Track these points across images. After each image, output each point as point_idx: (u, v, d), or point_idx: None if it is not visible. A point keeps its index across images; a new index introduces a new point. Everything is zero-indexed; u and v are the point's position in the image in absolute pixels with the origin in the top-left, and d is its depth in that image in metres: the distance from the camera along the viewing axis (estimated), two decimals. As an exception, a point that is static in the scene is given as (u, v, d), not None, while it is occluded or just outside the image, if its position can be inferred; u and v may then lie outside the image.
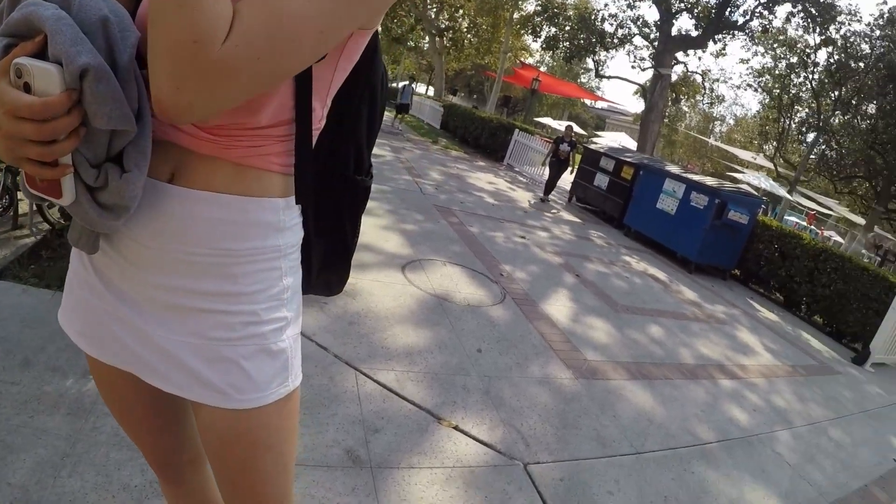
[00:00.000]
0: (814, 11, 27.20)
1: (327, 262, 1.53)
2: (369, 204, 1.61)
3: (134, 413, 1.50)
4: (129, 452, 2.83)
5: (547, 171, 17.18)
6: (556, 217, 14.37)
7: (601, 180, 16.53)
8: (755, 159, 41.25)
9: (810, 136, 34.42)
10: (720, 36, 28.13)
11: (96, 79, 0.89)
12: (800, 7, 27.43)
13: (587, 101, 71.91)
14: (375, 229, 7.94)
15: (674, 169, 15.30)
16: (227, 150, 1.11)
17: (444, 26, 38.85)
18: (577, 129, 60.76)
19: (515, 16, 34.66)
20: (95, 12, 0.92)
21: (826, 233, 43.33)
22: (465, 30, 40.79)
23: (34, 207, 5.01)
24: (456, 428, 4.00)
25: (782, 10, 53.90)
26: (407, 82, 29.98)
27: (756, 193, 15.26)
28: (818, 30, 29.21)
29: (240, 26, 0.89)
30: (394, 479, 3.31)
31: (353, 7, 1.01)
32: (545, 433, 4.29)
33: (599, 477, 3.99)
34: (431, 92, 47.94)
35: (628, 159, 15.95)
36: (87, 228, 1.13)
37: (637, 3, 32.27)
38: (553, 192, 17.04)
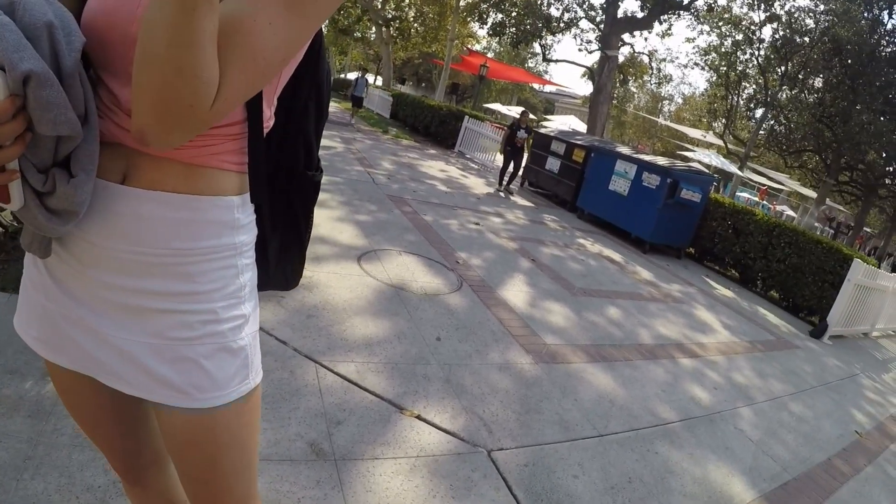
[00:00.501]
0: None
1: (283, 256, 1.54)
2: (322, 196, 1.60)
3: (95, 417, 1.49)
4: (91, 453, 2.79)
5: (499, 157, 17.03)
6: (509, 202, 14.37)
7: (553, 164, 16.57)
8: (705, 137, 41.72)
9: (759, 112, 34.88)
10: (666, 16, 28.38)
11: (39, 85, 0.88)
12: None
13: (535, 86, 72.34)
14: (329, 221, 7.87)
15: (625, 150, 15.37)
16: (178, 151, 1.10)
17: (390, 16, 38.76)
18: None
19: (462, 3, 34.61)
20: (40, 17, 0.91)
21: (778, 207, 44.06)
22: (411, 19, 40.75)
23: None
24: (418, 417, 3.97)
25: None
26: (359, 74, 28.31)
27: (707, 171, 15.44)
28: (763, 6, 29.62)
29: (226, 87, 0.94)
30: (358, 470, 3.28)
31: (308, 30, 1.04)
32: (507, 419, 4.28)
33: (563, 461, 3.99)
34: (380, 82, 47.80)
35: (579, 142, 16.02)
36: (37, 234, 1.12)
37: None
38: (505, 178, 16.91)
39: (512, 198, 15.40)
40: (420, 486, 3.30)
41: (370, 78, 59.09)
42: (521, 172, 16.45)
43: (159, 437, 1.58)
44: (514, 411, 4.42)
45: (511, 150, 15.94)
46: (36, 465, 2.66)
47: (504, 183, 16.08)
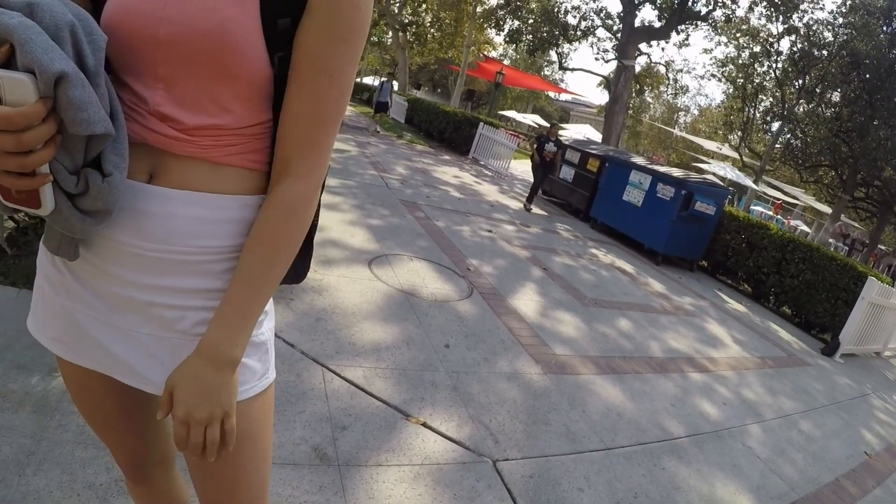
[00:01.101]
0: (777, 0, 27.41)
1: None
2: (335, 199, 1.63)
3: (106, 416, 1.49)
4: (94, 451, 2.78)
5: (514, 165, 16.76)
6: (522, 211, 14.32)
7: (567, 173, 16.50)
8: (720, 149, 41.57)
9: (775, 126, 34.67)
10: (683, 26, 28.22)
11: (72, 85, 0.88)
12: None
13: (551, 94, 72.24)
14: (342, 224, 7.86)
15: (639, 160, 15.29)
16: (206, 150, 1.15)
17: (407, 21, 38.67)
18: (541, 121, 60.86)
19: (478, 10, 34.63)
20: (61, 17, 0.90)
21: (792, 222, 43.84)
22: (428, 24, 40.71)
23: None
24: (424, 425, 3.94)
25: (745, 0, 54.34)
26: (385, 79, 27.03)
27: (722, 184, 15.31)
28: (781, 18, 29.44)
29: (326, 151, 1.23)
30: (361, 477, 3.25)
31: (359, 52, 1.19)
32: (514, 429, 4.25)
33: (569, 474, 3.95)
34: (396, 87, 47.94)
35: (594, 151, 15.96)
36: (67, 235, 1.12)
37: (600, -5, 32.51)
38: (518, 185, 16.71)
39: (531, 212, 14.69)
40: (423, 495, 3.28)
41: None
42: (539, 188, 15.49)
43: (168, 437, 1.62)
44: (521, 421, 4.38)
45: (540, 164, 15.00)
46: (38, 460, 2.66)
47: (529, 197, 15.10)
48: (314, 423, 3.57)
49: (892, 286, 11.54)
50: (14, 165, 0.89)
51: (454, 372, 4.80)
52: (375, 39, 45.62)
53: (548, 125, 16.05)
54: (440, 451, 3.74)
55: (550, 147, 14.77)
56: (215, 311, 1.16)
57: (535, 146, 15.12)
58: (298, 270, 1.58)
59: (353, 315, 5.23)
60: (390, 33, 41.54)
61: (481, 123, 22.48)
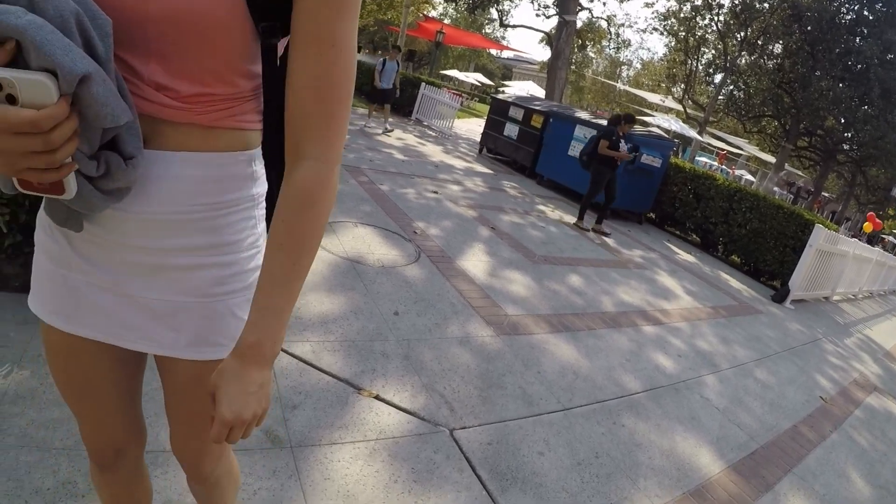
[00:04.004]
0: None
1: None
2: None
3: (91, 386, 1.48)
4: (38, 454, 2.61)
5: (457, 124, 16.57)
6: (468, 170, 14.23)
7: (511, 130, 16.42)
8: (664, 102, 41.96)
9: (718, 77, 35.23)
10: (624, -20, 28.21)
11: (95, 83, 0.89)
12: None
13: (493, 52, 72.13)
14: (283, 193, 7.62)
15: (584, 115, 15.27)
16: (199, 116, 1.15)
17: (344, -18, 38.17)
18: (483, 79, 60.61)
19: (416, -32, 34.24)
20: (66, 8, 0.88)
21: (737, 172, 44.51)
22: (366, -15, 40.24)
23: None
24: (377, 397, 3.83)
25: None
26: (384, 57, 18.31)
27: (667, 136, 15.38)
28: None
29: (341, 128, 1.17)
30: (315, 457, 3.14)
31: (356, 14, 1.13)
32: (469, 396, 4.16)
33: (528, 437, 3.88)
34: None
35: (537, 107, 15.88)
36: (76, 210, 1.12)
37: (539, -50, 32.31)
38: (463, 144, 16.40)
39: (587, 231, 11.08)
40: (381, 471, 3.17)
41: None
42: (594, 198, 11.51)
43: (142, 419, 1.66)
44: (475, 387, 4.30)
45: (605, 167, 11.00)
46: (-20, 469, 2.48)
47: (584, 215, 11.39)
48: (262, 404, 3.43)
49: (837, 232, 11.80)
50: (43, 163, 0.90)
51: (405, 340, 4.69)
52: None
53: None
54: (395, 423, 3.64)
55: (624, 147, 10.93)
56: (250, 313, 1.17)
57: (607, 145, 10.79)
58: None
59: (298, 287, 5.06)
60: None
61: (423, 84, 22.33)
